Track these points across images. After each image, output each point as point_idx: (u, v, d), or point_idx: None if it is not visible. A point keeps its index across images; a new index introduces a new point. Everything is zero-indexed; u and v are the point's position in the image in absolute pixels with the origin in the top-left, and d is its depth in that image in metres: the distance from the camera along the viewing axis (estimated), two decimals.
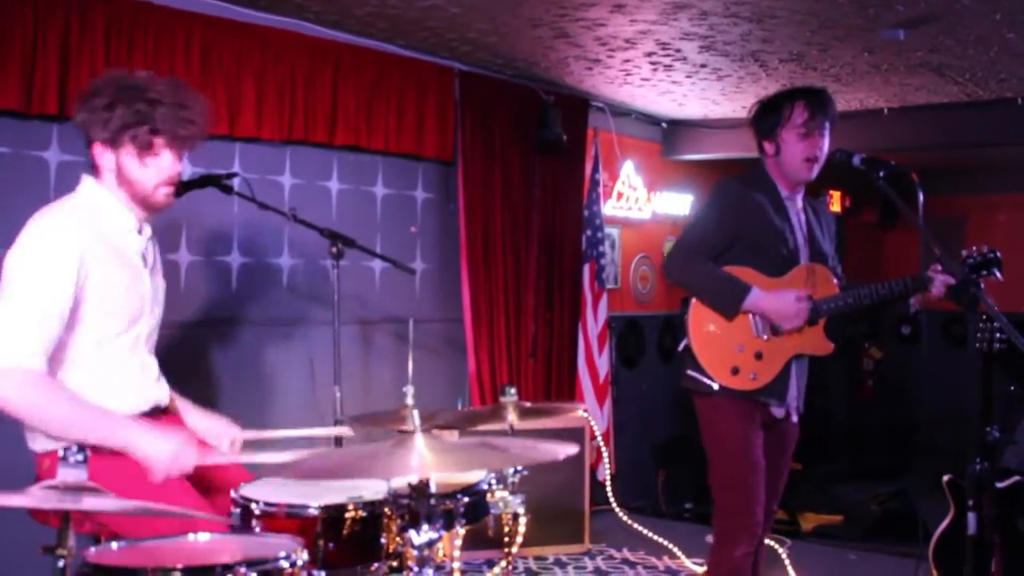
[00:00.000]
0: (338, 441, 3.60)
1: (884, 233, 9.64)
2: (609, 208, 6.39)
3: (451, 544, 3.36)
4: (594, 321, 6.06)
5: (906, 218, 3.13)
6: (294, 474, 2.51)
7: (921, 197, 2.93)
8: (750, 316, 3.19)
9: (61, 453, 1.90)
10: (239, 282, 4.34)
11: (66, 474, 1.88)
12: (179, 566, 1.94)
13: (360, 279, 4.82)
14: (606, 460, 5.82)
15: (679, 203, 7.11)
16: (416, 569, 2.28)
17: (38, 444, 2.51)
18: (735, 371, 3.18)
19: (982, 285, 2.89)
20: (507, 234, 5.45)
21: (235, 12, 4.16)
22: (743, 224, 3.18)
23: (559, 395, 5.78)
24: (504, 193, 5.43)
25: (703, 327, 3.21)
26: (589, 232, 6.02)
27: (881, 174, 2.93)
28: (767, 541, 3.57)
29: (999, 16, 4.15)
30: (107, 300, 2.48)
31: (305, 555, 2.10)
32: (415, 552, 2.28)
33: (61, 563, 1.85)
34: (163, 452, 2.42)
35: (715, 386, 3.19)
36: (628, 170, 6.59)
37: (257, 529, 2.47)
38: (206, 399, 3.05)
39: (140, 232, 2.62)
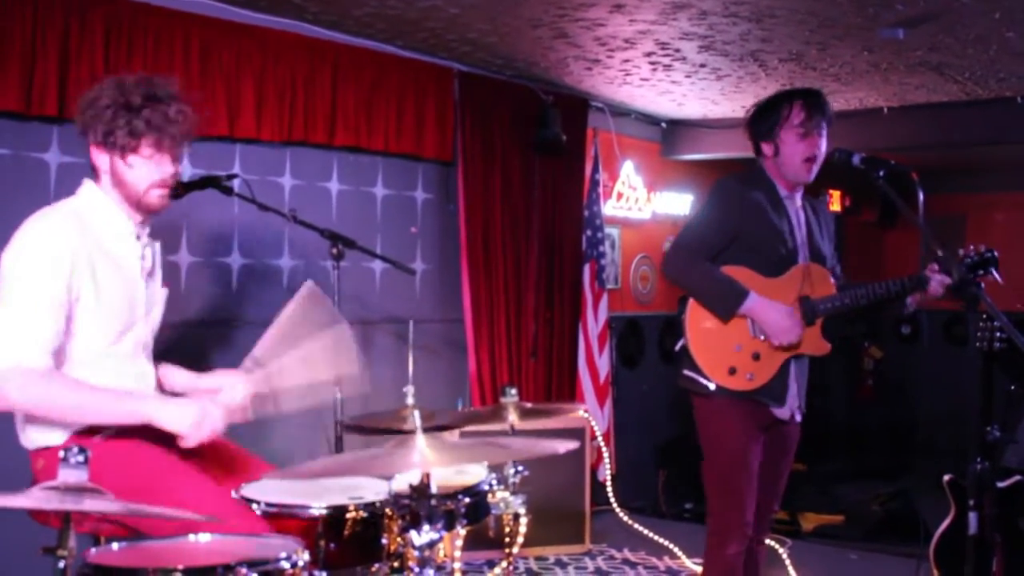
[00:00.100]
0: (339, 446, 3.60)
1: (884, 232, 9.64)
2: (609, 208, 6.39)
3: (452, 544, 3.36)
4: (594, 321, 6.06)
5: (906, 217, 3.14)
6: (298, 474, 2.51)
7: (921, 196, 2.93)
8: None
9: (62, 454, 1.89)
10: (239, 283, 4.34)
11: (67, 475, 1.88)
12: (180, 567, 1.94)
13: (360, 280, 4.82)
14: (607, 460, 5.82)
15: (679, 203, 7.11)
16: (417, 570, 2.28)
17: (30, 442, 2.50)
18: (732, 371, 3.17)
19: (982, 284, 2.89)
20: (507, 234, 5.45)
21: (234, 13, 4.16)
22: (742, 223, 3.18)
23: (560, 395, 5.78)
24: (504, 193, 5.43)
25: (700, 327, 3.21)
26: (589, 232, 6.02)
27: (881, 173, 2.93)
28: (768, 541, 3.57)
29: (998, 15, 4.15)
30: (99, 306, 2.47)
31: (306, 556, 2.10)
32: (416, 553, 2.29)
33: (62, 564, 1.85)
34: (187, 416, 2.42)
35: (712, 386, 3.18)
36: (628, 170, 6.59)
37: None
38: None
39: (138, 238, 2.62)
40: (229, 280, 4.32)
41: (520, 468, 3.05)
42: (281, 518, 2.48)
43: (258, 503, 2.49)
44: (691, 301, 3.23)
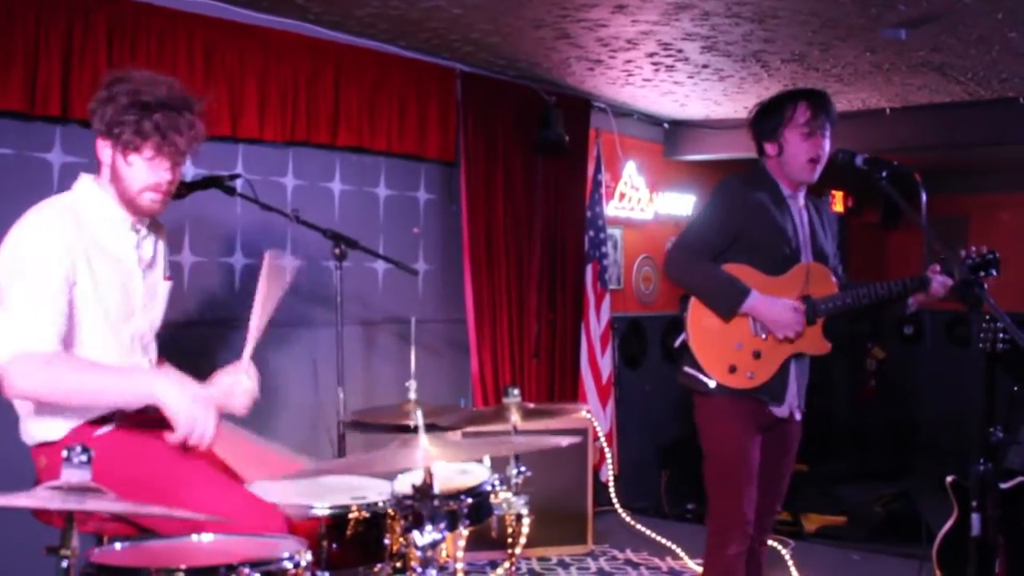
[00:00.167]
0: (341, 444, 3.61)
1: (887, 233, 9.63)
2: (611, 209, 6.39)
3: (454, 545, 3.36)
4: (597, 322, 6.06)
5: (909, 218, 3.13)
6: (302, 473, 2.51)
7: (924, 197, 2.93)
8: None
9: (65, 454, 1.89)
10: (242, 283, 4.34)
11: (70, 474, 1.88)
12: (183, 566, 1.94)
13: (363, 280, 4.83)
14: (609, 461, 5.82)
15: (681, 204, 7.11)
16: (419, 570, 2.28)
17: (30, 437, 2.51)
18: (732, 369, 3.17)
19: (984, 285, 2.89)
20: (510, 235, 5.45)
21: (237, 14, 4.17)
22: (744, 223, 3.18)
23: (562, 396, 5.78)
24: (506, 194, 5.43)
25: (702, 324, 3.21)
26: (591, 233, 6.02)
27: (884, 174, 2.93)
28: (770, 542, 3.56)
29: (1001, 15, 4.15)
30: (96, 298, 2.47)
31: (309, 556, 2.10)
32: (419, 553, 2.29)
33: (65, 563, 1.86)
34: (184, 399, 2.35)
35: (712, 384, 3.19)
36: (630, 171, 6.59)
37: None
38: None
39: (136, 230, 2.61)
40: (232, 280, 4.33)
41: (522, 469, 3.05)
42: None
43: None
44: (693, 299, 3.23)
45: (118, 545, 2.12)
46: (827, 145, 3.20)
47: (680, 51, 4.88)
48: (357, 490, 2.65)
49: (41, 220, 2.44)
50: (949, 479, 4.07)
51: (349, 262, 3.83)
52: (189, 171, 3.96)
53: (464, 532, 3.14)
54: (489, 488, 2.81)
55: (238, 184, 3.58)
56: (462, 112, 5.15)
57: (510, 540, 3.14)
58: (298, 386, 4.47)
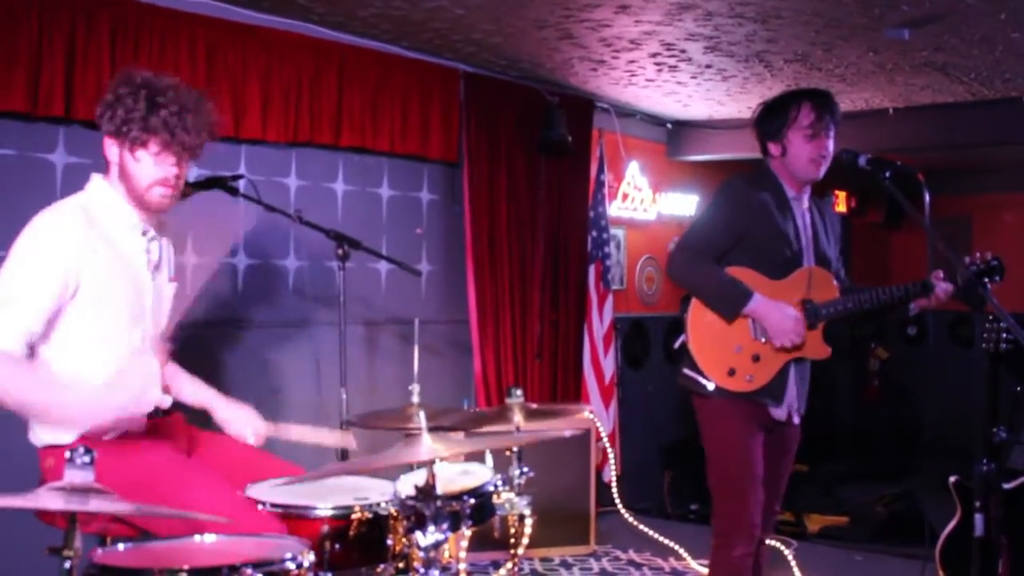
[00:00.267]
0: (343, 454, 3.60)
1: (890, 234, 9.62)
2: (614, 209, 6.39)
3: (457, 545, 3.36)
4: (599, 322, 6.06)
5: (912, 219, 3.12)
6: (306, 478, 2.51)
7: (927, 197, 2.92)
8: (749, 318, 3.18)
9: (68, 455, 1.90)
10: (245, 284, 4.34)
11: (73, 475, 1.88)
12: (185, 567, 1.94)
13: (366, 280, 4.83)
14: (612, 461, 5.81)
15: (684, 204, 7.10)
16: (422, 570, 2.28)
17: (38, 439, 2.51)
18: (731, 372, 3.16)
19: (988, 286, 2.88)
20: (512, 235, 5.45)
21: (240, 14, 4.17)
22: (748, 224, 3.17)
23: (565, 396, 5.78)
24: (509, 194, 5.43)
25: (701, 326, 3.20)
26: (594, 233, 6.01)
27: (887, 174, 2.92)
28: (772, 542, 3.56)
29: (1004, 16, 4.14)
30: (103, 300, 2.48)
31: (311, 556, 2.10)
32: (421, 553, 2.29)
33: (67, 564, 1.86)
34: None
35: (711, 386, 3.18)
36: (633, 171, 6.59)
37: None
38: None
39: (144, 232, 2.63)
40: (235, 281, 4.33)
41: (525, 469, 3.05)
42: (286, 519, 2.48)
43: (263, 504, 2.50)
44: (694, 301, 3.22)
45: (121, 546, 2.12)
46: (831, 145, 3.19)
47: (683, 51, 4.88)
48: (360, 490, 2.65)
49: (54, 222, 2.46)
50: (952, 479, 4.06)
51: (352, 263, 3.83)
52: (192, 171, 3.96)
53: (467, 533, 3.13)
54: (492, 489, 2.81)
55: (241, 185, 3.58)
56: (465, 113, 5.15)
57: (513, 541, 3.14)
58: (301, 386, 4.47)
